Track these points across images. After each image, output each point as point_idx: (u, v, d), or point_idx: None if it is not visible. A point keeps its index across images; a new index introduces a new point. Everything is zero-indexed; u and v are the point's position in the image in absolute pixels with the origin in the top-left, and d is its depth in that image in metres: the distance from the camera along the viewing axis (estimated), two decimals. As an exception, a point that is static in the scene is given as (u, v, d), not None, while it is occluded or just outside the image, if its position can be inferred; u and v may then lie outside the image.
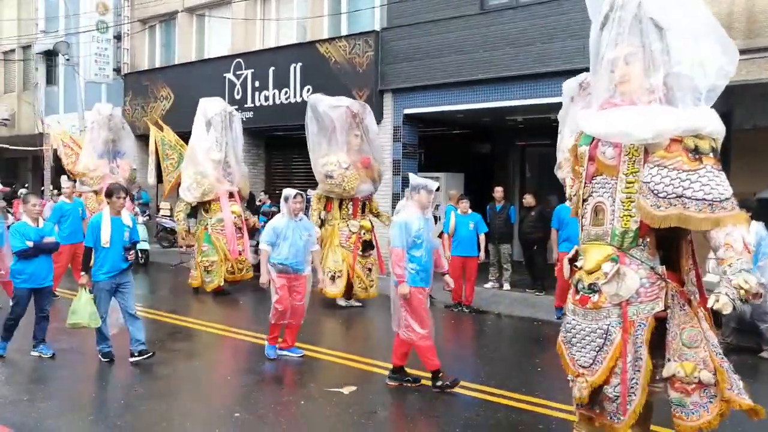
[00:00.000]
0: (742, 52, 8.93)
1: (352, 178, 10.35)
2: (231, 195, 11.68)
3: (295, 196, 7.26)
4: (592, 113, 3.96)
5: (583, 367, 3.91)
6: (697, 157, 3.59)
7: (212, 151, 11.46)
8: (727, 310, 3.43)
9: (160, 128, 13.29)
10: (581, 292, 3.96)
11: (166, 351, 7.59)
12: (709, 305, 3.55)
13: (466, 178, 14.61)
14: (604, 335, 3.82)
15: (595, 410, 3.99)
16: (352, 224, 10.49)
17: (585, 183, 4.00)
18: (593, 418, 4.04)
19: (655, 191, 3.63)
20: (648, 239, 3.83)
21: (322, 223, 10.59)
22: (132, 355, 6.95)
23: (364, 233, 10.54)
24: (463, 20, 12.30)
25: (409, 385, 6.33)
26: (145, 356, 6.95)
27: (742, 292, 3.39)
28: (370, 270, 10.54)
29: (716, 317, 7.79)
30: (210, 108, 11.78)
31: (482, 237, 10.42)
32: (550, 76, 10.86)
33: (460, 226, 10.31)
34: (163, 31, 19.60)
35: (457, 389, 6.18)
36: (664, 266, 3.86)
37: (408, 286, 6.06)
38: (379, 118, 13.48)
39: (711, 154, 3.62)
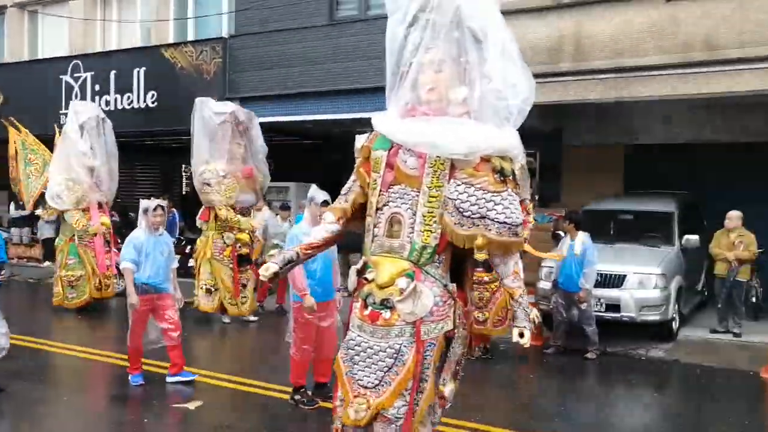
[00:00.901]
0: (572, 73, 9.70)
1: (230, 187, 9.93)
2: (100, 206, 11.00)
3: (155, 209, 6.69)
4: (395, 118, 3.69)
5: (366, 387, 3.57)
6: (502, 179, 3.50)
7: (87, 158, 10.77)
8: (527, 341, 3.59)
9: (18, 130, 12.11)
10: (371, 308, 3.63)
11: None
12: (515, 340, 3.61)
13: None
14: (395, 355, 3.53)
15: None
16: (227, 236, 9.99)
17: (381, 191, 3.68)
18: None
19: (461, 209, 3.48)
20: (444, 256, 3.65)
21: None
22: None
23: (239, 246, 10.04)
24: (312, 31, 12.29)
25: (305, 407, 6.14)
26: None
27: (533, 325, 3.60)
28: (244, 286, 10.08)
29: (547, 321, 8.27)
30: (82, 111, 11.05)
31: None
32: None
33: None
34: (-11, 25, 18.02)
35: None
36: (454, 284, 3.72)
37: (312, 298, 5.90)
38: (227, 126, 13.15)
39: (512, 177, 3.56)
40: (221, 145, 10.03)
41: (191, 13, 14.47)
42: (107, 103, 14.66)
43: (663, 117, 11.36)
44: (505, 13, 10.09)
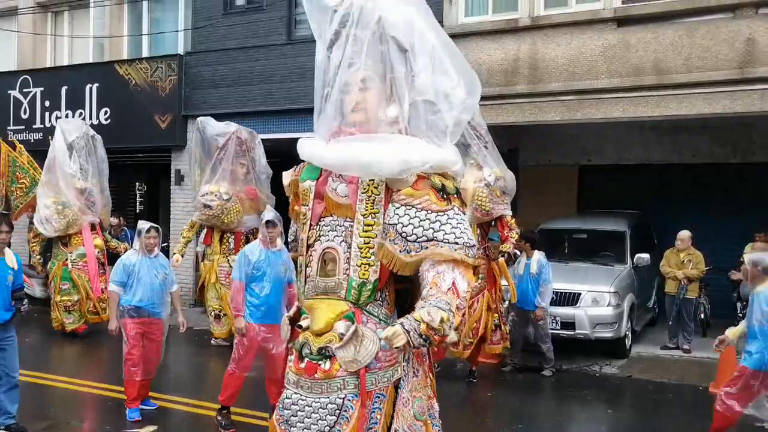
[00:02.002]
0: (527, 95, 9.89)
1: (233, 210, 9.58)
2: (93, 227, 10.50)
3: (148, 230, 6.39)
4: (319, 142, 3.29)
5: None
6: (445, 197, 3.12)
7: (77, 180, 10.28)
8: (399, 342, 2.85)
9: (13, 147, 11.55)
10: (307, 359, 3.16)
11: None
12: (381, 335, 3.03)
13: (277, 206, 14.45)
14: (338, 411, 3.07)
15: None
16: (232, 260, 9.40)
17: (310, 225, 3.27)
18: None
19: (404, 234, 3.06)
20: (387, 292, 3.25)
21: (203, 257, 9.95)
22: None
23: None
24: (270, 49, 12.26)
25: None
26: None
27: (423, 326, 2.83)
28: None
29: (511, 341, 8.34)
30: (70, 130, 10.54)
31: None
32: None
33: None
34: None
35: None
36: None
37: (242, 320, 5.88)
38: (182, 144, 13.00)
39: (456, 195, 3.19)
40: (224, 166, 9.69)
41: (146, 30, 14.28)
42: (58, 119, 14.30)
43: (615, 138, 11.66)
44: (462, 35, 10.39)
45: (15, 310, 5.79)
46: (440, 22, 10.47)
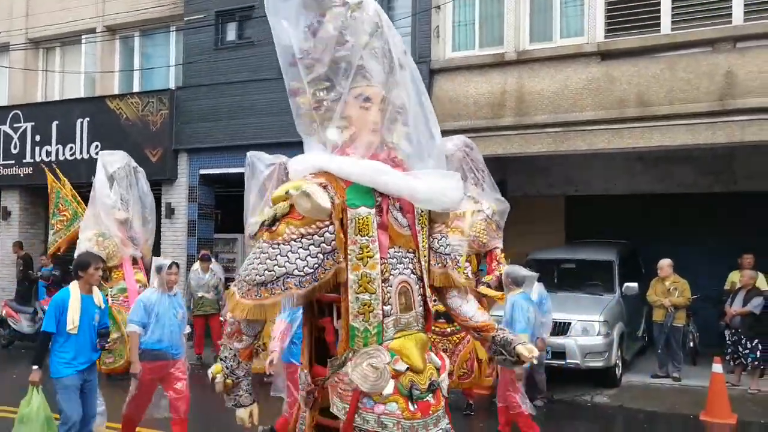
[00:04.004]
0: (514, 128, 10.06)
1: None
2: (134, 261, 9.98)
3: (170, 266, 6.08)
4: (381, 167, 3.04)
5: None
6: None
7: (117, 210, 9.79)
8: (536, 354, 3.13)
9: (58, 178, 11.14)
10: (418, 399, 2.97)
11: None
12: (528, 355, 3.15)
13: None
14: None
15: None
16: None
17: (381, 258, 3.03)
18: None
19: (436, 250, 3.24)
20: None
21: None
22: None
23: None
24: (260, 83, 12.42)
25: None
26: None
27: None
28: None
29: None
30: (111, 162, 10.04)
31: None
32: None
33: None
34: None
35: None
36: None
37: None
38: (173, 177, 13.08)
39: None
40: (267, 195, 9.30)
41: (137, 65, 14.44)
42: (48, 153, 14.39)
43: (602, 169, 11.83)
44: (449, 69, 10.59)
45: (100, 351, 5.64)
46: (428, 56, 10.76)
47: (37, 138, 14.57)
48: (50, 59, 15.72)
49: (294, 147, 12.26)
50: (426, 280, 3.14)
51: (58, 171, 11.42)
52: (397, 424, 2.90)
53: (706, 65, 8.89)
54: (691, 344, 10.19)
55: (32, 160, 14.57)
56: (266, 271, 2.89)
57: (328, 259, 2.93)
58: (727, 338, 9.20)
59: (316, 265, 2.91)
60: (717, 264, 10.37)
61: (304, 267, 2.90)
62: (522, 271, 7.12)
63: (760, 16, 8.84)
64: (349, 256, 2.98)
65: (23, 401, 5.47)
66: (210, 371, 3.10)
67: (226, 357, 3.07)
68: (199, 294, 10.45)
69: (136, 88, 14.24)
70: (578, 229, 12.35)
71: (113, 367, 9.51)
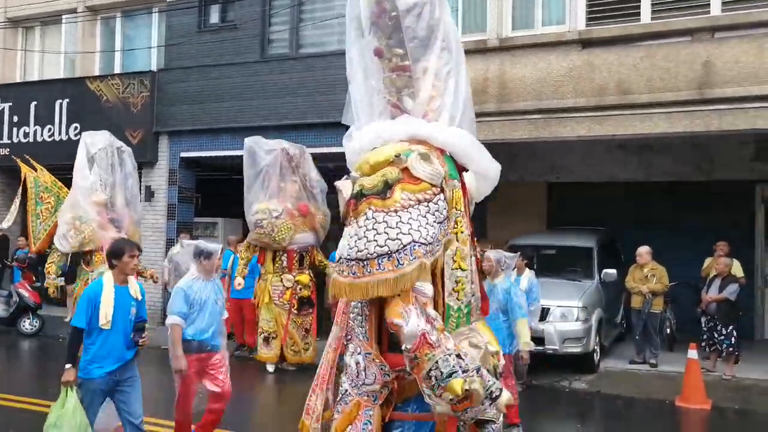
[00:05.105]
0: (496, 114, 10.07)
1: (283, 227, 9.34)
2: None
3: (213, 253, 5.66)
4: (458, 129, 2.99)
5: None
6: None
7: (95, 193, 9.50)
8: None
9: (33, 168, 10.86)
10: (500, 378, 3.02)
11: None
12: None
13: (245, 223, 14.42)
14: None
15: None
16: (286, 279, 9.41)
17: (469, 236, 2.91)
18: None
19: None
20: None
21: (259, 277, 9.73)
22: None
23: (300, 289, 9.43)
24: (243, 67, 12.33)
25: None
26: None
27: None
28: (307, 331, 9.48)
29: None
30: (93, 143, 9.75)
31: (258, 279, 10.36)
32: (329, 126, 11.19)
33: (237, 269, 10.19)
34: None
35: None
36: None
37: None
38: (153, 160, 12.99)
39: None
40: (272, 183, 9.51)
41: (118, 46, 14.27)
42: (25, 134, 14.23)
43: (583, 157, 11.90)
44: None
45: (137, 347, 5.07)
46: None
47: (15, 119, 14.40)
48: (30, 39, 15.49)
49: (274, 130, 12.25)
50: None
51: (31, 160, 11.29)
52: (491, 407, 2.77)
53: (684, 54, 8.94)
54: (668, 331, 10.33)
55: (9, 141, 14.40)
56: (388, 241, 2.59)
57: (440, 229, 2.69)
58: (703, 325, 9.33)
59: (435, 235, 2.66)
60: (695, 251, 10.50)
61: (427, 235, 2.62)
62: (507, 254, 7.14)
63: (737, 7, 8.89)
64: (450, 231, 2.80)
65: (55, 404, 4.85)
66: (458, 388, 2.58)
67: (458, 364, 2.58)
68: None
69: (117, 70, 14.08)
70: (559, 216, 12.43)
71: None
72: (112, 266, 5.03)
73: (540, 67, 9.77)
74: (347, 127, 3.42)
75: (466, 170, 2.99)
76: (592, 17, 9.67)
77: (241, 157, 12.61)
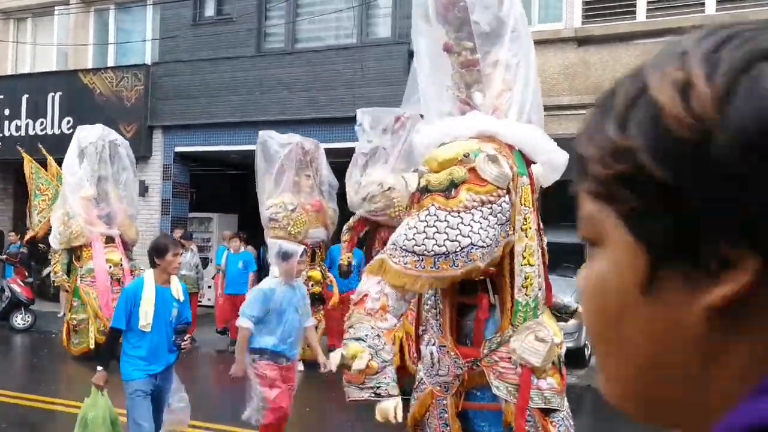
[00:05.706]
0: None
1: (299, 221, 9.11)
2: (111, 240, 9.51)
3: (301, 254, 5.25)
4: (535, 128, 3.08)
5: None
6: None
7: (82, 187, 9.34)
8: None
9: (44, 160, 10.89)
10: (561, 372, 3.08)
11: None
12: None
13: (241, 218, 14.46)
14: None
15: None
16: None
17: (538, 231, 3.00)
18: None
19: None
20: None
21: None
22: None
23: (312, 285, 9.12)
24: (238, 61, 12.31)
25: None
26: None
27: None
28: (315, 328, 9.45)
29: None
30: (84, 137, 9.63)
31: (252, 275, 10.40)
32: (324, 122, 11.22)
33: (230, 264, 10.30)
34: None
35: None
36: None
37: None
38: (147, 155, 12.94)
39: None
40: (287, 177, 9.31)
41: (112, 39, 14.20)
42: (17, 128, 14.13)
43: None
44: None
45: (179, 350, 4.79)
46: (409, 39, 10.73)
47: (7, 112, 14.29)
48: (21, 30, 15.37)
49: (269, 125, 12.21)
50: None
51: (43, 150, 11.19)
52: (557, 396, 2.93)
53: (680, 53, 9.04)
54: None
55: (1, 135, 14.30)
56: (447, 241, 2.64)
57: (501, 231, 2.75)
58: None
59: (495, 238, 2.71)
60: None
61: (486, 238, 2.67)
62: None
63: (731, 6, 9.00)
64: (515, 227, 2.85)
65: (86, 404, 4.70)
66: (341, 353, 2.71)
67: (366, 336, 2.67)
68: (181, 273, 10.36)
69: (110, 63, 14.00)
70: (552, 212, 12.50)
71: (80, 348, 9.35)
72: (153, 264, 4.75)
73: (536, 64, 9.83)
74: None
75: (535, 162, 3.05)
76: (589, 15, 9.75)
77: (236, 152, 12.67)
